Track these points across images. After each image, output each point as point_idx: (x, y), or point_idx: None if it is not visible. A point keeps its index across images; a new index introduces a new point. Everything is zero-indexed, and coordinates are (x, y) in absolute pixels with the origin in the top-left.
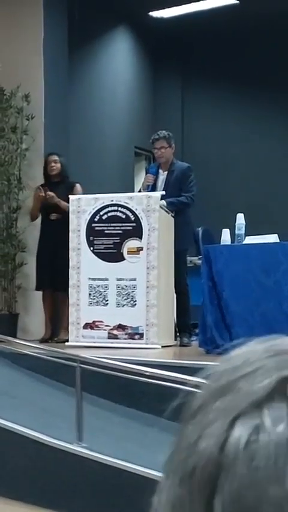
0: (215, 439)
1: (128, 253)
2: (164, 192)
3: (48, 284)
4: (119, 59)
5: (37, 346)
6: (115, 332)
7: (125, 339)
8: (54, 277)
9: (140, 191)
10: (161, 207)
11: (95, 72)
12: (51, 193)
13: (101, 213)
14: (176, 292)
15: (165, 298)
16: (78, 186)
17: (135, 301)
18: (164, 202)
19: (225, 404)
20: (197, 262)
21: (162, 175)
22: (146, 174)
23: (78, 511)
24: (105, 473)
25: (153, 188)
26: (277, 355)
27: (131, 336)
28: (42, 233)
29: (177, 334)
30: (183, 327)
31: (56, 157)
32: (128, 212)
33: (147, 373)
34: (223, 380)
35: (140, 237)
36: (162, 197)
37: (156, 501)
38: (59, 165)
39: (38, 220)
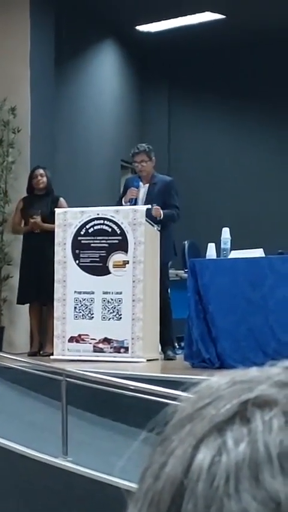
0: (180, 463)
1: (113, 267)
2: (149, 206)
3: (34, 297)
4: (106, 72)
5: (23, 359)
6: (100, 345)
7: (111, 352)
8: (40, 291)
9: (120, 201)
10: (146, 220)
11: (81, 85)
12: (34, 220)
13: (87, 227)
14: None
15: (151, 311)
16: (62, 200)
17: (121, 314)
18: (161, 212)
19: (189, 430)
20: (183, 275)
21: (143, 187)
22: (123, 186)
23: None
24: (90, 487)
25: (135, 201)
26: (236, 384)
27: (117, 350)
28: (26, 246)
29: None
30: (167, 341)
31: (42, 171)
32: (114, 226)
33: (132, 387)
34: (187, 410)
35: (126, 251)
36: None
37: None
38: (45, 179)
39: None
